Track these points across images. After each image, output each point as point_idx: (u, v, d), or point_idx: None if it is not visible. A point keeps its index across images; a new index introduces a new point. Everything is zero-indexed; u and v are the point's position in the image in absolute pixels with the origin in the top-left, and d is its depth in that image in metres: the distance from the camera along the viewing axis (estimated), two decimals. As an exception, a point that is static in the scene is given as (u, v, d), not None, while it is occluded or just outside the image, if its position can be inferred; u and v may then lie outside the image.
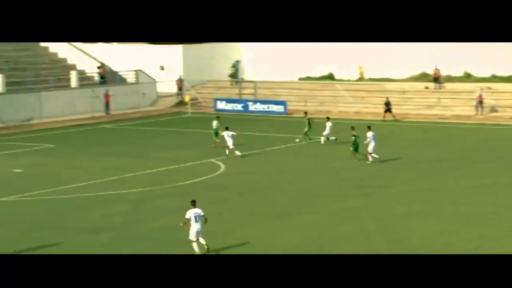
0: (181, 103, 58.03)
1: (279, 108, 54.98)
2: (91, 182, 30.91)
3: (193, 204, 21.28)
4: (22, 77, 53.52)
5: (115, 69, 59.24)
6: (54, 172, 33.73)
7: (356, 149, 34.52)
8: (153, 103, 59.32)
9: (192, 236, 20.94)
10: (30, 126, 48.91)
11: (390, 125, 48.42)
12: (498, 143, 40.84)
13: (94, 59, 59.20)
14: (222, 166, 34.44)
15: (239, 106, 56.37)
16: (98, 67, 57.44)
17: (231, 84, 62.12)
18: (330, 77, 60.61)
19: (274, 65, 62.27)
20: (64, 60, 59.30)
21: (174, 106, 58.42)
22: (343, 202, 27.54)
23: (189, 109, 54.69)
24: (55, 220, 24.95)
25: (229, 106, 56.57)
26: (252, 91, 58.78)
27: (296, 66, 61.41)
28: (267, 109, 55.33)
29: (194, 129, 47.40)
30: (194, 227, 20.87)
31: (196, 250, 20.90)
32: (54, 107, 51.13)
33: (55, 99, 51.90)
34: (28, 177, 32.67)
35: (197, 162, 35.54)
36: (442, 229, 23.67)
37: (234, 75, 62.83)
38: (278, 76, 61.00)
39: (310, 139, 40.12)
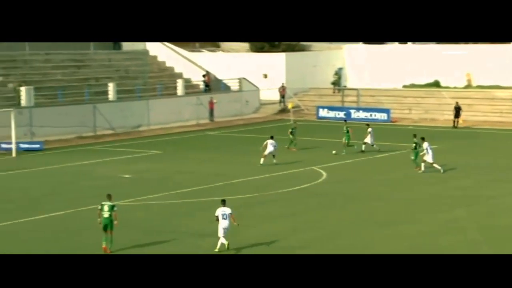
0: (284, 110, 58.46)
1: (383, 116, 54.51)
2: (197, 188, 31.66)
3: (223, 203, 22.60)
4: (132, 85, 55.25)
5: (219, 77, 60.31)
6: (161, 177, 34.72)
7: (416, 157, 34.14)
8: (256, 110, 60.03)
9: (220, 232, 22.20)
10: (139, 132, 50.45)
11: (499, 134, 47.18)
12: None
13: (200, 67, 60.46)
14: (324, 174, 34.55)
15: (341, 114, 56.20)
16: (203, 75, 58.65)
17: (334, 92, 62.07)
18: (436, 84, 59.62)
19: (377, 73, 61.89)
20: (172, 68, 60.86)
21: (276, 114, 58.93)
22: (448, 212, 27.14)
23: (291, 117, 54.96)
24: (164, 225, 25.70)
25: (331, 114, 56.53)
26: (354, 98, 58.56)
27: (400, 73, 60.79)
28: (370, 117, 54.95)
29: (296, 136, 47.60)
30: (222, 224, 22.19)
31: (223, 242, 22.19)
32: (161, 114, 52.52)
33: (162, 107, 53.33)
34: (137, 182, 33.73)
35: (300, 170, 35.79)
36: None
37: (336, 83, 62.78)
38: (382, 83, 60.52)
39: (353, 146, 40.33)
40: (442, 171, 33.49)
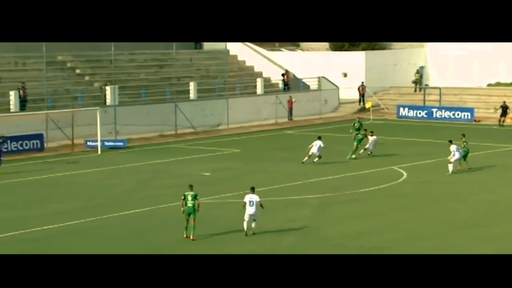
0: (363, 109, 58.04)
1: (466, 115, 53.49)
2: (276, 186, 31.81)
3: (252, 190, 24.24)
4: (212, 84, 55.88)
5: (298, 76, 60.33)
6: (240, 176, 35.03)
7: (465, 157, 33.99)
8: (335, 109, 59.80)
9: (245, 217, 24.01)
10: (218, 131, 50.98)
11: None
12: None
13: (279, 66, 60.63)
14: (404, 174, 34.18)
15: (422, 113, 55.44)
16: (282, 74, 58.76)
17: (415, 91, 61.23)
18: (526, 82, 58.02)
19: (460, 71, 60.72)
20: (251, 67, 61.23)
21: (356, 113, 58.47)
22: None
23: (371, 116, 54.55)
24: (241, 223, 25.94)
25: (412, 113, 55.80)
26: (437, 97, 57.58)
27: (485, 70, 59.46)
28: (452, 116, 53.98)
29: (376, 135, 47.19)
30: (248, 210, 23.93)
31: (244, 227, 24.04)
32: (240, 113, 52.94)
33: (242, 106, 53.74)
34: (216, 180, 34.13)
35: (379, 169, 35.52)
36: None
37: (418, 81, 61.90)
38: (465, 82, 59.35)
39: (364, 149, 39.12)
40: (451, 172, 33.60)
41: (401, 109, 56.44)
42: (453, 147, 33.92)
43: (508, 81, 58.65)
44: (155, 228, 25.86)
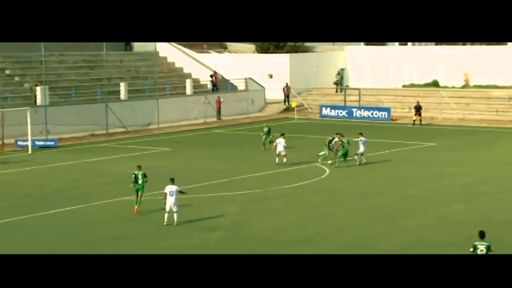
0: (288, 109, 58.41)
1: (383, 115, 54.41)
2: (205, 183, 31.62)
3: (171, 181, 24.62)
4: (142, 85, 55.31)
5: (226, 77, 60.27)
6: (170, 173, 34.54)
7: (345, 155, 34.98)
8: (261, 109, 59.98)
9: (166, 207, 24.28)
10: (149, 131, 50.42)
11: (495, 131, 47.05)
12: None
13: (208, 68, 60.45)
14: (327, 171, 34.48)
15: (343, 113, 56.14)
16: (211, 76, 58.62)
17: (336, 91, 61.96)
18: (435, 84, 59.44)
19: (378, 73, 61.80)
20: (181, 69, 60.84)
21: (281, 112, 58.87)
22: (447, 207, 27.05)
23: (295, 115, 54.98)
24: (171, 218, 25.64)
25: (334, 113, 56.44)
26: (356, 98, 58.41)
27: (400, 73, 60.72)
28: (371, 116, 54.86)
29: (299, 134, 47.62)
30: (169, 200, 24.23)
31: (165, 218, 24.31)
32: (170, 113, 52.49)
33: (171, 106, 53.32)
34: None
35: (303, 166, 35.72)
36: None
37: (339, 83, 62.67)
38: (382, 83, 60.46)
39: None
40: (358, 163, 35.07)
41: (324, 109, 57.03)
42: (360, 140, 34.94)
43: (421, 82, 59.98)
44: (87, 225, 25.33)
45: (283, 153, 35.41)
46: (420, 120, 50.46)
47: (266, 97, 60.46)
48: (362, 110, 55.63)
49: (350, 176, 33.24)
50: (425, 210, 26.83)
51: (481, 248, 17.38)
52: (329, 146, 35.13)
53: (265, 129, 40.24)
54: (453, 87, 58.05)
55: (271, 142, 37.92)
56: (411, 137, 44.88)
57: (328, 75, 62.80)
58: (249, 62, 62.67)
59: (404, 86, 60.77)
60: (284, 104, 60.02)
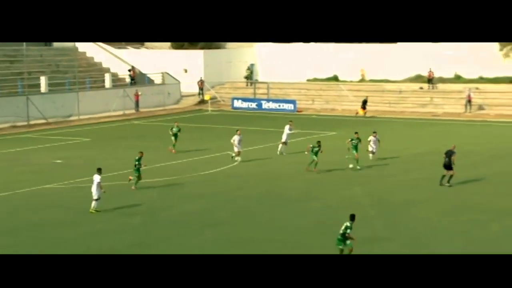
0: (202, 101, 58.16)
1: (290, 106, 54.97)
2: (124, 171, 31.03)
3: (98, 171, 24.39)
4: (62, 79, 53.85)
5: (144, 71, 59.41)
6: (91, 162, 33.81)
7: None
8: (177, 101, 59.46)
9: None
10: (69, 122, 49.12)
11: (388, 121, 48.30)
12: (486, 138, 40.65)
13: (126, 62, 59.41)
14: (239, 159, 34.47)
15: (253, 105, 56.42)
16: (129, 70, 57.65)
17: (247, 85, 62.15)
18: (335, 78, 60.54)
19: (284, 68, 62.35)
20: (100, 63, 59.54)
21: (196, 104, 58.53)
22: (349, 190, 27.55)
23: (209, 107, 54.85)
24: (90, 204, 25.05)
25: (245, 105, 56.67)
26: (265, 91, 58.78)
27: (304, 68, 61.48)
28: (278, 107, 55.34)
29: (213, 124, 47.54)
30: (92, 188, 23.99)
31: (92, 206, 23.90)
32: (90, 106, 51.31)
33: (91, 98, 52.14)
34: (68, 167, 32.83)
35: (217, 154, 35.61)
36: (433, 215, 23.67)
37: (249, 77, 62.89)
38: (288, 78, 61.04)
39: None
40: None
41: (235, 101, 57.13)
42: (286, 128, 35.05)
43: (323, 77, 60.91)
44: (10, 212, 24.40)
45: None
46: (365, 113, 50.55)
47: (182, 90, 59.98)
48: (271, 102, 56.08)
49: (260, 163, 33.37)
50: (328, 192, 27.21)
51: (342, 228, 18.04)
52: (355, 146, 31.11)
53: (175, 129, 36.39)
54: (351, 81, 59.24)
55: (174, 145, 35.66)
56: (315, 127, 45.49)
57: (239, 70, 62.97)
58: (165, 58, 62.09)
59: (308, 80, 61.54)
60: (199, 96, 59.69)
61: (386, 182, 28.65)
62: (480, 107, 50.42)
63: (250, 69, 63.50)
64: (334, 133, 42.77)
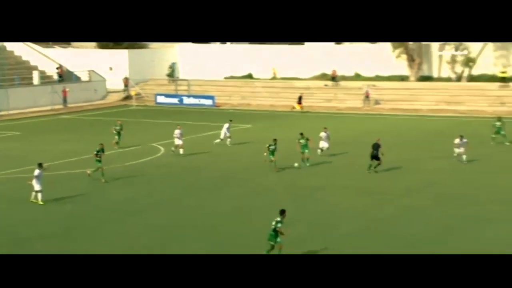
0: (127, 97, 57.36)
1: (209, 102, 55.00)
2: (55, 162, 30.27)
3: (39, 166, 23.46)
4: (-9, 76, 51.91)
5: (71, 69, 57.94)
6: (21, 154, 32.87)
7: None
8: (104, 97, 58.35)
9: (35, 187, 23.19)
10: (-1, 117, 47.40)
11: (298, 116, 49.15)
12: (382, 129, 42.03)
13: (53, 61, 57.75)
14: (162, 149, 34.32)
15: (175, 100, 56.10)
16: (57, 68, 56.08)
17: (169, 82, 61.67)
18: (250, 76, 60.99)
19: (204, 67, 62.28)
20: (28, 62, 57.61)
21: (121, 100, 57.65)
22: (263, 178, 27.88)
23: (134, 103, 54.19)
24: (24, 194, 24.38)
25: (167, 100, 56.25)
26: (186, 87, 58.53)
27: (222, 67, 61.63)
28: (198, 103, 55.27)
29: (138, 118, 46.98)
30: (34, 181, 23.12)
31: (31, 196, 23.15)
32: (19, 102, 49.78)
33: (20, 95, 50.60)
34: (0, 158, 31.71)
35: (141, 146, 35.28)
36: (337, 197, 24.34)
37: (171, 75, 62.45)
38: (207, 75, 61.05)
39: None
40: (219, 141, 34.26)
41: (158, 97, 56.61)
42: (225, 126, 34.73)
43: (239, 75, 61.21)
44: None
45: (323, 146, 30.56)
46: (302, 107, 50.74)
47: (108, 87, 58.91)
48: (191, 98, 55.93)
49: (185, 153, 33.27)
50: (246, 180, 27.47)
51: (273, 223, 17.12)
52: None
53: (118, 127, 34.95)
54: (264, 79, 59.84)
55: (117, 143, 34.27)
56: (233, 120, 45.70)
57: (162, 68, 62.49)
58: (91, 57, 60.87)
59: (225, 78, 61.71)
60: (124, 93, 58.78)
61: (297, 171, 29.14)
62: (377, 102, 52.03)
63: (172, 67, 63.04)
64: (250, 125, 43.19)
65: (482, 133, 35.62)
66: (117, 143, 34.45)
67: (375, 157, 27.70)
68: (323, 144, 30.89)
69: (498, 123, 34.19)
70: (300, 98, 50.91)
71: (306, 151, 29.26)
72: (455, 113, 47.30)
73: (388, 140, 36.85)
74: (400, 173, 28.13)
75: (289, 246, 18.57)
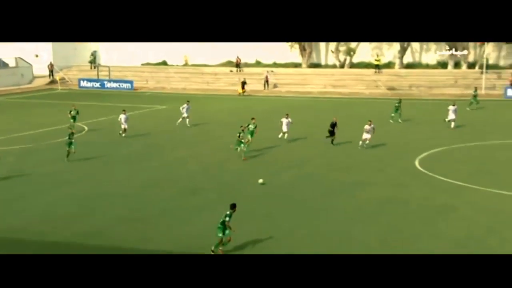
0: (52, 82, 54.62)
1: (128, 86, 53.45)
2: (-16, 142, 28.35)
3: None
4: None
5: (-2, 56, 54.44)
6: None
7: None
8: (30, 82, 55.27)
9: None
10: None
11: (207, 97, 48.77)
12: (279, 109, 42.48)
13: (-19, 48, 53.94)
14: (86, 128, 32.98)
15: (97, 84, 54.08)
16: (-17, 54, 52.40)
17: (91, 68, 59.29)
18: (164, 63, 59.72)
19: (122, 54, 60.33)
20: (-44, 48, 53.42)
21: (47, 84, 54.85)
22: (176, 151, 27.48)
23: (59, 87, 51.70)
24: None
25: (90, 84, 54.16)
26: (107, 73, 56.47)
27: (139, 54, 59.96)
28: (118, 86, 53.56)
29: (63, 101, 44.85)
30: None
31: None
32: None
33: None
34: None
35: (67, 125, 33.68)
36: (241, 167, 24.38)
37: (93, 61, 60.02)
38: (126, 62, 59.23)
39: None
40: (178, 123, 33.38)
41: (82, 81, 54.37)
42: (184, 106, 33.08)
43: (155, 62, 59.79)
44: None
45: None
46: (244, 91, 49.32)
47: (34, 72, 55.80)
48: (112, 82, 54.09)
49: (106, 131, 32.15)
50: (162, 155, 26.95)
51: (222, 216, 15.01)
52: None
53: (73, 112, 32.22)
54: (177, 65, 58.82)
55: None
56: (149, 102, 44.72)
57: (84, 55, 60.03)
58: (18, 44, 57.18)
59: (142, 64, 60.12)
60: (49, 78, 55.91)
61: (206, 146, 28.91)
62: (275, 86, 52.56)
63: (94, 55, 60.61)
64: (165, 106, 42.41)
65: (360, 113, 36.71)
66: (72, 126, 31.51)
67: (331, 132, 27.96)
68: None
69: (397, 104, 34.92)
70: (243, 83, 50.51)
71: (249, 136, 26.88)
72: (340, 95, 48.65)
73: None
74: (296, 146, 28.53)
75: (199, 210, 18.40)
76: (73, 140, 24.88)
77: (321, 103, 44.81)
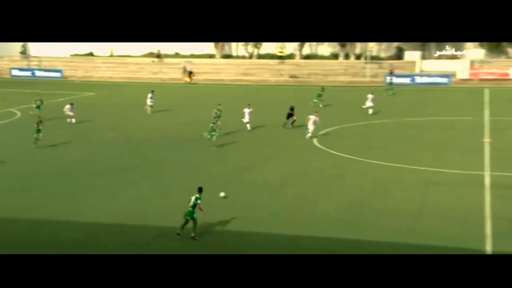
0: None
1: (58, 74, 50.62)
2: None
3: None
4: None
5: None
6: None
7: None
8: (-38, 71, 50.64)
9: None
10: None
11: (134, 85, 47.21)
12: (197, 95, 42.12)
13: None
14: (18, 113, 30.88)
15: (28, 73, 50.78)
16: None
17: (21, 58, 55.38)
18: (91, 54, 56.99)
19: (52, 45, 56.75)
20: None
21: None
22: (103, 133, 26.42)
23: (-9, 75, 47.75)
24: None
25: (22, 73, 50.77)
26: (37, 63, 52.99)
27: (67, 46, 56.72)
28: (49, 75, 50.57)
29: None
30: None
31: None
32: None
33: None
34: None
35: (1, 111, 31.38)
36: (164, 146, 23.93)
37: (24, 52, 56.09)
38: (56, 53, 55.92)
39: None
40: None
41: (13, 70, 51.14)
42: (149, 96, 31.09)
43: (82, 53, 56.86)
44: None
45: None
46: (191, 79, 46.93)
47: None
48: (42, 71, 51.10)
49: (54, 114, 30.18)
50: (88, 136, 25.82)
51: (192, 199, 13.91)
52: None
53: (38, 102, 29.92)
54: (103, 56, 56.39)
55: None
56: (78, 89, 42.63)
57: (15, 46, 55.96)
58: None
59: (71, 55, 57.00)
60: (-20, 67, 51.56)
61: (133, 127, 28.07)
62: (192, 73, 51.86)
63: (24, 46, 56.60)
64: (92, 93, 40.68)
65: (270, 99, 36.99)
66: (37, 115, 28.35)
67: (289, 115, 27.34)
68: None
69: (320, 92, 34.22)
70: (190, 73, 48.91)
71: (218, 123, 24.90)
72: (249, 82, 48.96)
73: (200, 103, 36.94)
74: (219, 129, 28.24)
75: (130, 185, 17.92)
76: (41, 128, 23.08)
77: (233, 89, 44.85)
